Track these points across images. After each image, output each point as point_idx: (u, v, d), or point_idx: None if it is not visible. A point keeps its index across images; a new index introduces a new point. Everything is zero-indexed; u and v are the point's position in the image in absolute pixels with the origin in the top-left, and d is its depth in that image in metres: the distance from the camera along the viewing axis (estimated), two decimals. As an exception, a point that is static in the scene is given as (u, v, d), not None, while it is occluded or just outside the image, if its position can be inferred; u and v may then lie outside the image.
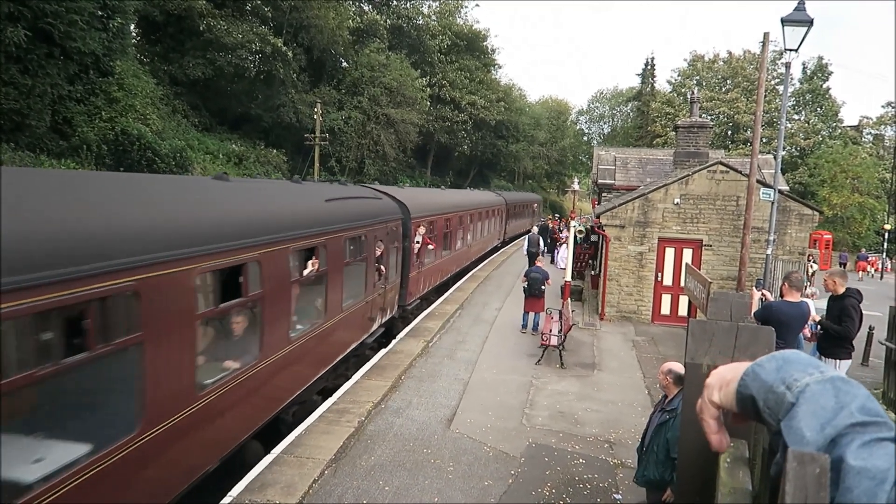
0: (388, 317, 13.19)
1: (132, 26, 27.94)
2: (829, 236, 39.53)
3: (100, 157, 21.19)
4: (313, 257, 8.89)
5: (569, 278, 16.07)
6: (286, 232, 7.54)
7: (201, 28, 30.22)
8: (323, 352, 9.27)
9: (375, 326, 12.15)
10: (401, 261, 13.91)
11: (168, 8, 29.26)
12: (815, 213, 16.38)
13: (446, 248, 18.96)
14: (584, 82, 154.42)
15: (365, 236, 10.72)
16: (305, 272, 8.64)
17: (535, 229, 28.13)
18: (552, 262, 27.07)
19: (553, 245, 29.12)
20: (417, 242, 14.68)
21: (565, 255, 25.09)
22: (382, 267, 12.05)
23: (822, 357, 8.27)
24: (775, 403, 0.99)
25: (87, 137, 21.04)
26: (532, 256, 23.84)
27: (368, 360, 11.64)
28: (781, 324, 7.07)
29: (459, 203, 21.50)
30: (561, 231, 30.45)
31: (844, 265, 36.11)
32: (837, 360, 8.17)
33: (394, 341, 13.17)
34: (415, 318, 15.55)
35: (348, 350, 10.47)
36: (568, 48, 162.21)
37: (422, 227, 14.97)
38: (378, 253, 11.71)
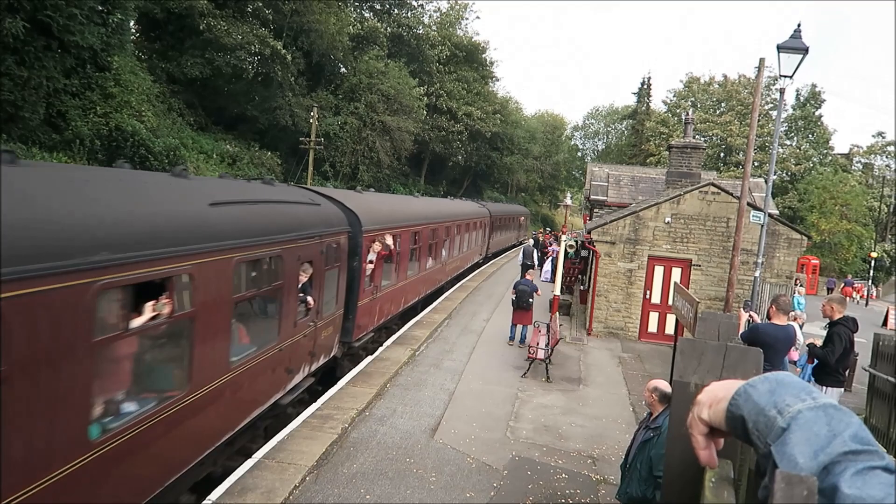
0: (321, 362, 10.06)
1: (132, 22, 27.88)
2: (817, 261, 39.88)
3: (92, 153, 21.07)
4: (163, 295, 5.37)
5: (558, 292, 16.11)
6: (105, 256, 4.46)
7: (201, 27, 30.20)
8: (176, 448, 5.80)
9: (298, 379, 9.00)
10: (345, 286, 10.79)
11: (169, 6, 29.24)
12: (804, 237, 16.54)
13: (412, 268, 15.95)
14: (579, 92, 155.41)
15: (281, 256, 7.64)
16: (138, 321, 5.14)
17: (531, 241, 28.58)
18: (541, 274, 27.14)
19: (542, 258, 29.21)
20: (371, 262, 11.76)
21: (549, 268, 25.23)
22: (311, 298, 8.89)
23: (816, 384, 8.31)
24: (765, 427, 0.99)
25: (81, 132, 20.91)
26: (525, 268, 23.94)
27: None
28: (767, 346, 7.11)
29: (433, 213, 18.54)
30: (550, 245, 30.55)
31: (832, 290, 36.45)
32: (826, 388, 8.21)
33: (380, 349, 13.12)
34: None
35: (244, 423, 7.30)
36: (565, 53, 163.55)
37: (378, 241, 11.79)
38: (304, 279, 8.59)
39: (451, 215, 21.22)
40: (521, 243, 44.45)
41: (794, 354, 12.01)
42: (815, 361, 8.71)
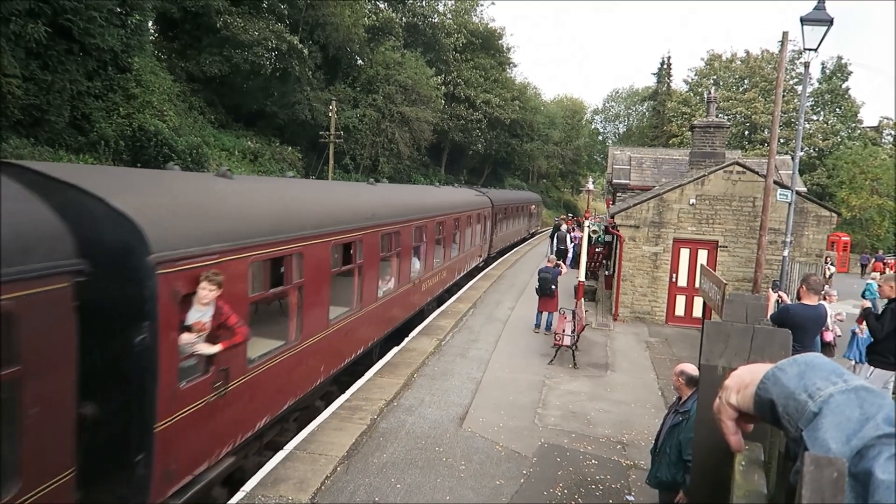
0: None
1: (150, 23, 28.20)
2: (848, 238, 38.99)
3: (117, 153, 21.43)
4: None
5: (582, 278, 16.01)
6: None
7: (218, 25, 30.41)
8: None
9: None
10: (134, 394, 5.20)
11: (186, 5, 29.48)
12: (833, 214, 16.18)
13: (342, 302, 9.74)
14: (598, 75, 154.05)
15: None
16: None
17: (564, 227, 28.11)
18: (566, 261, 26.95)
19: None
20: (198, 329, 5.59)
21: (572, 254, 25.06)
22: None
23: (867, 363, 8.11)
24: (796, 411, 0.98)
25: (105, 133, 21.27)
26: (560, 254, 24.00)
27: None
28: (798, 327, 6.99)
29: (391, 209, 11.83)
30: (573, 230, 30.30)
31: (865, 266, 35.73)
32: (874, 369, 8.01)
33: (406, 339, 13.19)
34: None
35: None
36: (583, 36, 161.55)
37: (208, 284, 5.55)
38: None
39: (429, 209, 14.84)
40: (532, 235, 42.50)
41: (828, 335, 11.80)
42: (865, 340, 8.50)
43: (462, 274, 20.12)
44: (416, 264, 14.05)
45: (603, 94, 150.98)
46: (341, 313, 9.49)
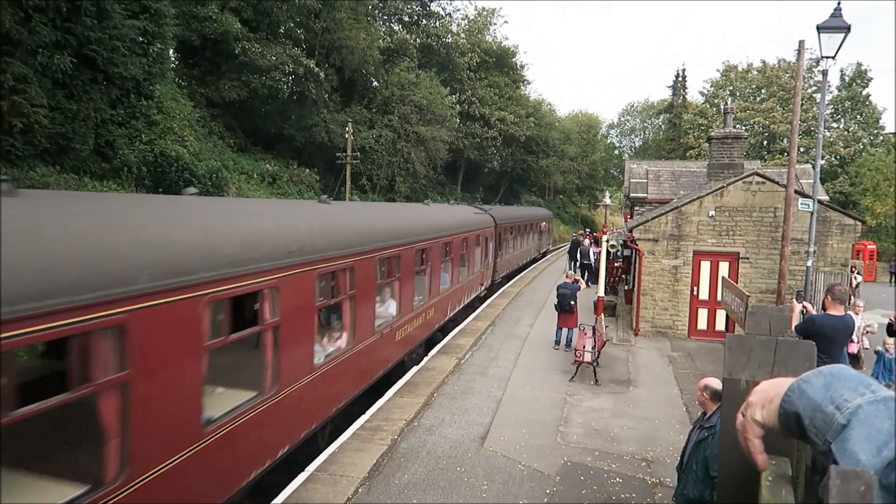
0: None
1: (171, 51, 28.83)
2: (874, 246, 38.30)
3: (139, 179, 21.81)
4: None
5: (602, 293, 15.88)
6: None
7: (236, 51, 31.00)
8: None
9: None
10: None
11: (205, 32, 30.12)
12: (857, 223, 15.92)
13: (250, 384, 6.69)
14: (613, 89, 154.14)
15: None
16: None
17: (587, 241, 27.98)
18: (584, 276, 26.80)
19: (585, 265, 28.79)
20: None
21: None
22: None
23: None
24: (823, 423, 0.95)
25: (128, 159, 21.68)
26: (584, 269, 24.02)
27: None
28: (825, 337, 6.85)
29: (347, 236, 8.86)
30: (590, 246, 30.09)
31: (894, 274, 35.13)
32: None
33: (426, 359, 13.15)
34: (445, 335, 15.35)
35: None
36: (596, 52, 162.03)
37: None
38: None
39: (408, 234, 11.68)
40: (542, 255, 39.57)
41: (853, 347, 11.56)
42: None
43: (457, 309, 16.58)
44: (391, 307, 11.04)
45: (618, 109, 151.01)
46: (232, 408, 5.99)
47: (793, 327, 6.87)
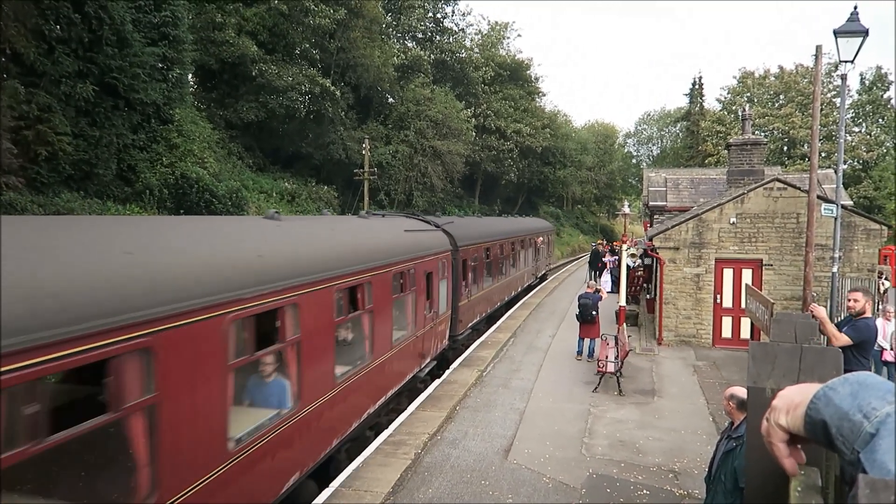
0: None
1: (190, 76, 29.40)
2: (901, 251, 37.49)
3: (161, 201, 22.17)
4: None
5: (623, 303, 15.75)
6: None
7: (254, 73, 31.51)
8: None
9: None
10: None
11: (222, 56, 30.67)
12: (883, 227, 15.63)
13: None
14: (629, 99, 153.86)
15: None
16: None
17: (608, 251, 27.52)
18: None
19: (601, 270, 28.65)
20: None
21: (607, 279, 24.71)
22: None
23: None
24: (850, 432, 0.94)
25: (150, 183, 22.07)
26: (600, 268, 23.73)
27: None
28: (873, 342, 6.72)
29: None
30: (604, 255, 29.95)
31: None
32: None
33: (447, 371, 13.12)
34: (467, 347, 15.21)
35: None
36: (613, 62, 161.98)
37: None
38: None
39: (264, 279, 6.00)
40: (540, 280, 31.13)
41: (888, 355, 11.29)
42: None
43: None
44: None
45: (634, 118, 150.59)
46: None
47: (834, 332, 6.56)
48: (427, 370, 12.60)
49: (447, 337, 14.22)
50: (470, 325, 16.52)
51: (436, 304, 12.86)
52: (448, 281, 13.98)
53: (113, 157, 20.66)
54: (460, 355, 14.91)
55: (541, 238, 30.29)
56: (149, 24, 22.28)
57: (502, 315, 20.87)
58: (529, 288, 27.56)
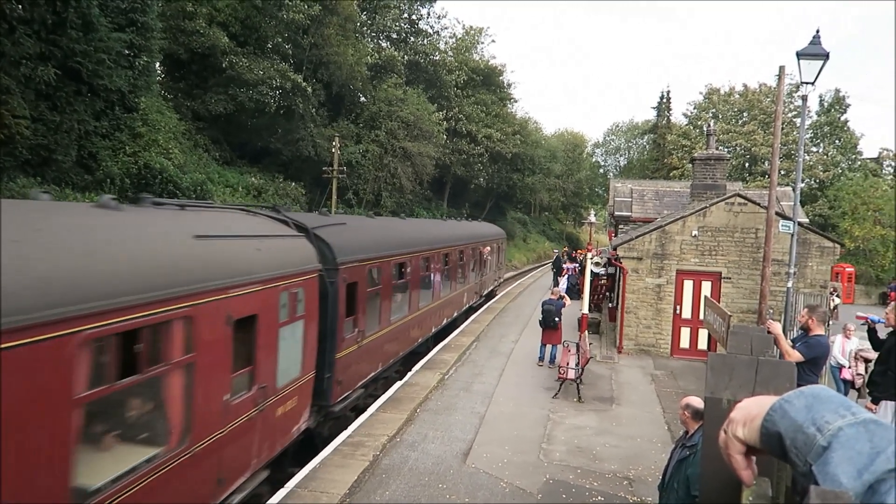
0: None
1: (157, 64, 28.73)
2: (852, 269, 38.86)
3: (122, 191, 21.61)
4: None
5: (586, 311, 15.93)
6: None
7: (224, 65, 30.98)
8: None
9: None
10: None
11: (192, 46, 30.08)
12: (836, 245, 16.18)
13: None
14: (598, 109, 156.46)
15: None
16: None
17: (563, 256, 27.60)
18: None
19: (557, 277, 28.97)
20: None
21: (564, 286, 24.98)
22: None
23: (872, 398, 7.77)
24: (804, 444, 0.96)
25: (112, 171, 21.50)
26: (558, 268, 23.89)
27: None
28: (821, 358, 6.87)
29: None
30: (564, 262, 30.32)
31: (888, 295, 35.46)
32: (884, 402, 7.63)
33: (409, 374, 13.08)
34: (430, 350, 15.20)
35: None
36: (582, 71, 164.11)
37: None
38: None
39: None
40: (487, 297, 26.18)
41: (846, 373, 11.57)
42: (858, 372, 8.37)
43: None
44: None
45: (603, 128, 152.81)
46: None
47: (787, 349, 6.76)
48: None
49: (305, 416, 8.38)
50: (362, 382, 10.83)
51: (266, 371, 7.09)
52: (310, 322, 8.32)
53: (73, 143, 20.05)
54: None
55: (487, 248, 24.51)
56: (116, 10, 21.68)
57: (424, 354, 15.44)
58: (470, 309, 22.24)
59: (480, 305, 24.24)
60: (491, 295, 27.17)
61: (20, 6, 17.52)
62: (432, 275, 15.99)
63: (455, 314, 19.30)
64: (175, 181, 22.73)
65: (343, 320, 9.57)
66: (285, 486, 7.48)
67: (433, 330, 16.51)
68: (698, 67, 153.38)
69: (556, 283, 25.68)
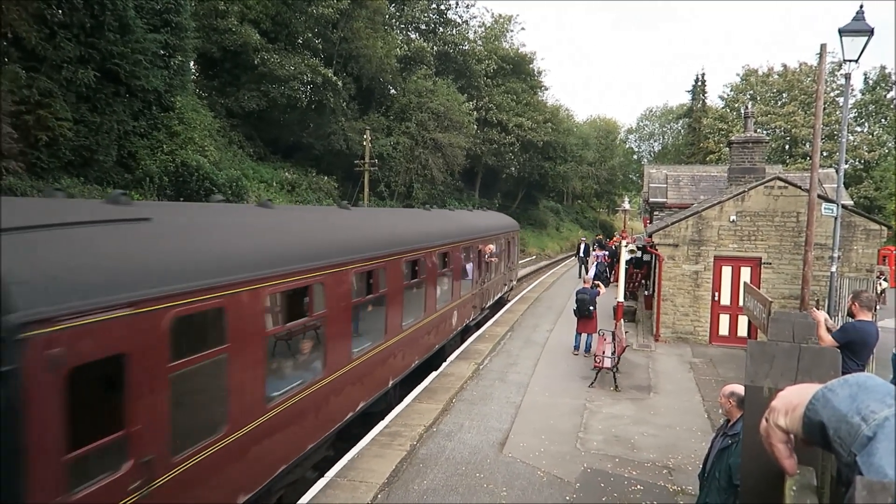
0: None
1: (191, 63, 29.28)
2: (900, 252, 37.50)
3: (161, 188, 22.13)
4: None
5: (622, 299, 15.76)
6: None
7: (256, 62, 31.40)
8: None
9: None
10: None
11: (224, 44, 30.55)
12: (883, 227, 15.63)
13: None
14: (631, 95, 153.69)
15: None
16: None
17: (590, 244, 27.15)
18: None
19: (587, 264, 28.51)
20: None
21: (593, 272, 24.60)
22: None
23: None
24: (848, 434, 0.94)
25: (150, 170, 22.03)
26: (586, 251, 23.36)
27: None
28: (864, 344, 6.65)
29: None
30: (593, 249, 29.88)
31: None
32: None
33: (444, 364, 13.14)
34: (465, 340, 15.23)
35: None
36: (615, 57, 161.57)
37: None
38: None
39: None
40: (502, 301, 22.01)
41: None
42: None
43: None
44: None
45: (636, 114, 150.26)
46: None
47: (822, 335, 6.59)
48: None
49: None
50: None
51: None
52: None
53: (113, 143, 20.61)
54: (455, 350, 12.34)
55: (490, 246, 18.41)
56: (151, 11, 22.17)
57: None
58: (466, 330, 16.63)
59: (485, 320, 18.88)
60: (499, 304, 21.56)
61: (60, 11, 18.03)
62: (430, 277, 11.60)
63: (443, 341, 13.85)
64: (211, 178, 23.18)
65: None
66: (325, 475, 7.61)
67: (416, 361, 11.56)
68: (733, 52, 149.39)
69: (582, 272, 25.36)
